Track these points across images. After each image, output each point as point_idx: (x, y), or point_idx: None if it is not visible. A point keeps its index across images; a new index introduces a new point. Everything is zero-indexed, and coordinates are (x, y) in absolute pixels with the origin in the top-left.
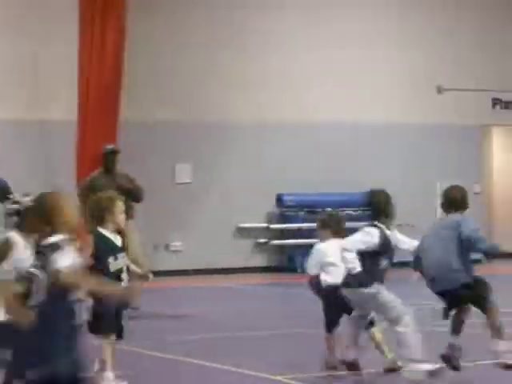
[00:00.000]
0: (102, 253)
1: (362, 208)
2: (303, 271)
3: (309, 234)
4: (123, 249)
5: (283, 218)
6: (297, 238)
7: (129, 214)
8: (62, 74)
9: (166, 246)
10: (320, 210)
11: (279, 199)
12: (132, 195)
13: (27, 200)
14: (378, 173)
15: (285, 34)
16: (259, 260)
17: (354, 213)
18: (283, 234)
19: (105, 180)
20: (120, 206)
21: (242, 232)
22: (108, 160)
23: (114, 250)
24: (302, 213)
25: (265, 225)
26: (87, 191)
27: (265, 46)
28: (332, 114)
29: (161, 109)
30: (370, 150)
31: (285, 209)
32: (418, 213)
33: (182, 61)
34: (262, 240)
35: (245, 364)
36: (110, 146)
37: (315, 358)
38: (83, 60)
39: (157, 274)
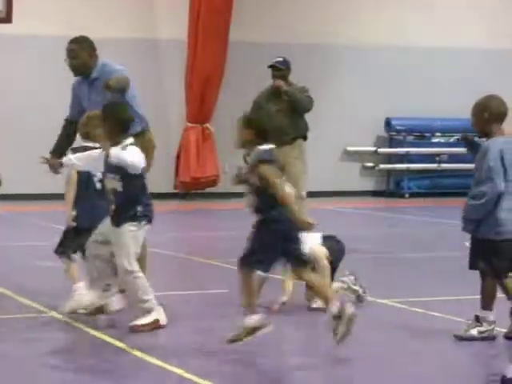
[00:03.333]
0: None
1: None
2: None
3: (417, 159)
4: None
5: (392, 143)
6: (405, 163)
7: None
8: None
9: None
10: (429, 134)
11: (388, 123)
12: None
13: None
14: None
15: None
16: (366, 184)
17: None
18: (391, 159)
19: (271, 94)
20: None
21: (350, 155)
22: (272, 74)
23: None
24: (411, 137)
25: (373, 148)
26: (256, 105)
27: None
28: (444, 38)
29: (270, 31)
30: (483, 75)
31: (393, 133)
32: None
33: None
34: (370, 164)
35: None
36: (275, 59)
37: (420, 282)
38: None
39: None
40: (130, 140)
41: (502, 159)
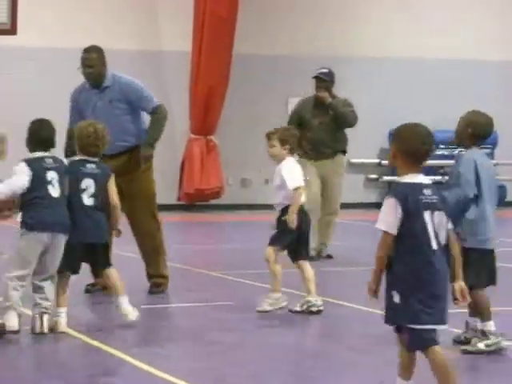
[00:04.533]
0: None
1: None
2: None
3: None
4: None
5: None
6: None
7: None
8: (178, 6)
9: None
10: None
11: (391, 135)
12: (342, 119)
13: None
14: (495, 111)
15: None
16: (369, 196)
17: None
18: (394, 171)
19: (314, 106)
20: None
21: (354, 167)
22: (316, 85)
23: None
24: None
25: (376, 160)
26: (295, 114)
27: None
28: (449, 49)
29: (275, 43)
30: (487, 87)
31: None
32: None
33: None
34: (374, 176)
35: (354, 299)
36: (319, 70)
37: None
38: None
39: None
40: (37, 154)
41: (476, 170)
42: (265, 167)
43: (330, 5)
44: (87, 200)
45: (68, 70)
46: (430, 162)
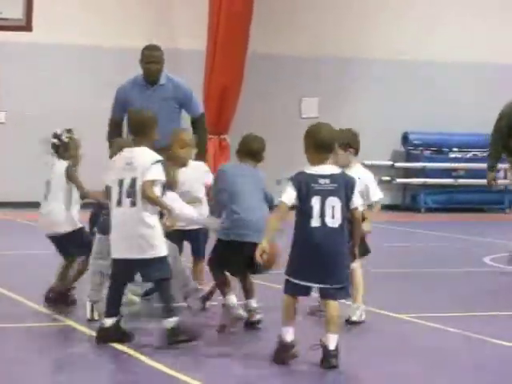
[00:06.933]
0: None
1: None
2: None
3: (434, 173)
4: None
5: (408, 157)
6: (421, 177)
7: None
8: (193, 4)
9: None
10: (446, 149)
11: (405, 137)
12: None
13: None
14: None
15: None
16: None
17: (479, 154)
18: (407, 173)
19: None
20: None
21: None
22: None
23: None
24: (428, 152)
25: (389, 163)
26: (503, 120)
27: None
28: (465, 53)
29: (289, 42)
30: (496, 89)
31: (410, 147)
32: None
33: None
34: (386, 178)
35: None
36: None
37: (436, 298)
38: None
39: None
40: None
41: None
42: (277, 168)
43: (349, 8)
44: None
45: (81, 66)
46: (443, 165)
